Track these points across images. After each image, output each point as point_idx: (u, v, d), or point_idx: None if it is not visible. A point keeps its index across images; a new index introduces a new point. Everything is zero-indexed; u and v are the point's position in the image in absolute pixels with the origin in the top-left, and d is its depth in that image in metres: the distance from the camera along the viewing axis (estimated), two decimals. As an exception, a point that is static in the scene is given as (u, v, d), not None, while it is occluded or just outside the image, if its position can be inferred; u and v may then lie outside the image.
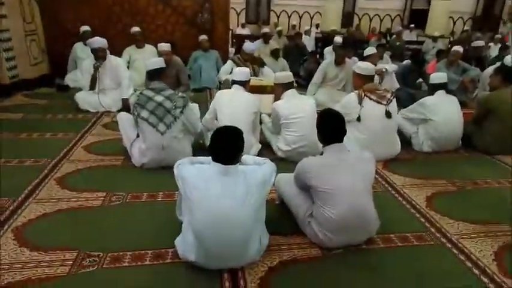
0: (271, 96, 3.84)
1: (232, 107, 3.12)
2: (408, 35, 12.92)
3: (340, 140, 2.08)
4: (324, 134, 2.11)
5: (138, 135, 2.97)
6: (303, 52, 7.54)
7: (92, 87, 4.50)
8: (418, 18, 14.57)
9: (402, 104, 5.29)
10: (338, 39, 7.52)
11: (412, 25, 13.47)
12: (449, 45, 11.44)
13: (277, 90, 3.31)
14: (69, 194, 2.56)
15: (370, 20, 14.87)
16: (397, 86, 5.34)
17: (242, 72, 3.23)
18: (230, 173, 1.77)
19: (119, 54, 5.46)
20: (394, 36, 11.33)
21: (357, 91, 3.27)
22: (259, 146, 3.32)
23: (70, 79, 5.64)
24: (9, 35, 4.85)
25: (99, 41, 4.39)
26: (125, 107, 4.48)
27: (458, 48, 5.63)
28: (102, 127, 4.00)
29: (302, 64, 6.75)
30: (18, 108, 4.50)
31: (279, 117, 3.20)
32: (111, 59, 4.55)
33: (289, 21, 14.06)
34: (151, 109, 2.84)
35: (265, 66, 5.06)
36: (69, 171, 2.92)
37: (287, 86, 3.26)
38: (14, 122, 4.04)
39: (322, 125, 2.12)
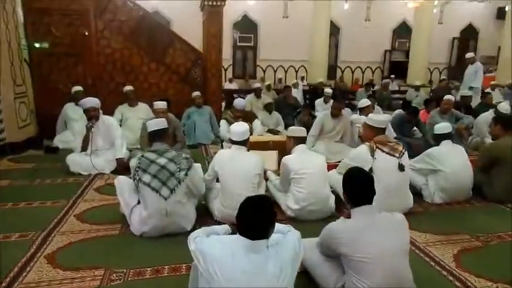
0: (274, 153, 3.71)
1: (234, 168, 2.94)
2: (389, 85, 13.40)
3: (370, 202, 1.91)
4: (352, 195, 1.94)
5: (138, 202, 2.74)
6: (295, 105, 7.61)
7: (84, 148, 4.29)
8: (397, 69, 15.32)
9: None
10: (328, 90, 7.67)
11: (393, 76, 14.07)
12: (431, 94, 11.91)
13: (289, 143, 3.19)
14: (62, 275, 2.25)
15: (353, 71, 15.51)
16: (394, 135, 5.33)
17: (241, 132, 3.06)
18: (260, 248, 1.55)
19: (111, 113, 5.36)
20: (378, 87, 11.76)
21: (367, 143, 3.17)
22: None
23: (60, 140, 5.42)
24: (-2, 98, 4.71)
25: (92, 101, 4.27)
26: (120, 167, 4.28)
27: (451, 97, 5.77)
28: (95, 191, 3.74)
29: (295, 117, 6.76)
30: (4, 174, 4.21)
31: (288, 172, 3.04)
32: (104, 118, 4.41)
33: (275, 75, 14.53)
34: (154, 173, 2.65)
35: (255, 120, 5.04)
36: (61, 245, 2.62)
37: (300, 140, 3.16)
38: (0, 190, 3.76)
39: (351, 185, 1.95)
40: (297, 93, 10.72)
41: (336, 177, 3.37)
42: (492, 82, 11.41)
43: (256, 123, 4.95)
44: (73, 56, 5.85)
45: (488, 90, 10.81)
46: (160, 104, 4.51)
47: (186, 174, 2.73)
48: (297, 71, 14.88)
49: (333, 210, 3.16)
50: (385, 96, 10.79)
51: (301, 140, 3.16)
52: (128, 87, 5.86)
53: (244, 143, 3.07)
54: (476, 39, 16.37)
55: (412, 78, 12.84)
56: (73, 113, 5.58)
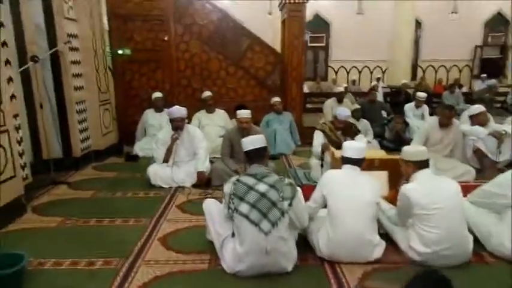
0: (384, 174, 3.08)
1: (348, 194, 2.41)
2: (480, 85, 11.81)
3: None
4: None
5: (233, 234, 2.31)
6: (383, 109, 6.81)
7: (167, 160, 4.05)
8: (489, 67, 13.49)
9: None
10: (421, 94, 6.73)
11: (484, 75, 12.38)
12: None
13: (407, 169, 2.55)
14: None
15: (436, 71, 14.03)
16: (520, 153, 4.36)
17: (359, 148, 2.54)
18: None
19: (188, 120, 5.13)
20: (466, 87, 10.30)
21: None
22: (384, 244, 2.51)
23: (139, 147, 5.34)
24: (84, 106, 4.70)
25: (180, 111, 4.02)
26: (200, 181, 3.97)
27: None
28: (178, 209, 3.44)
29: (386, 124, 6.00)
30: (88, 183, 4.14)
31: (410, 206, 2.41)
32: (189, 128, 4.15)
33: (348, 77, 13.65)
34: (253, 202, 2.20)
35: (359, 134, 4.34)
36: (146, 280, 2.28)
37: (422, 164, 2.49)
38: (84, 202, 3.63)
39: None
40: (377, 97, 9.84)
41: (469, 209, 2.66)
42: None
43: (360, 137, 4.32)
44: (153, 62, 5.77)
45: None
46: (244, 114, 4.12)
47: (290, 205, 2.25)
48: (371, 72, 13.85)
49: (471, 254, 2.45)
50: (489, 99, 9.32)
51: (424, 164, 2.50)
52: (207, 93, 5.62)
53: (360, 162, 2.51)
54: None
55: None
56: (153, 119, 5.47)
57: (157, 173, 4.00)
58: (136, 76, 5.78)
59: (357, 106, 6.00)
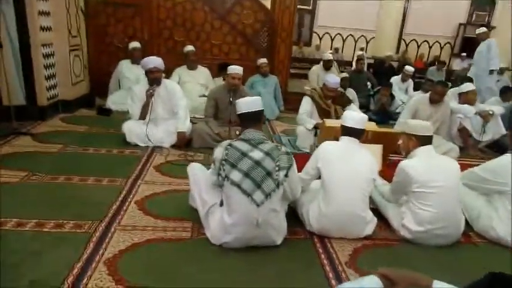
0: (378, 148, 2.95)
1: (344, 168, 2.26)
2: (459, 64, 11.97)
3: None
4: None
5: (221, 203, 2.12)
6: (369, 80, 6.66)
7: (143, 116, 3.73)
8: (470, 46, 13.57)
9: (508, 154, 4.35)
10: (409, 68, 6.63)
11: (464, 54, 12.47)
12: (515, 79, 10.40)
13: (408, 143, 2.41)
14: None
15: (418, 46, 13.95)
16: (504, 131, 4.38)
17: (359, 118, 2.37)
18: None
19: (167, 75, 4.76)
20: (459, 68, 10.37)
21: None
22: (375, 221, 2.41)
23: (113, 101, 4.94)
24: (51, 50, 4.19)
25: (156, 61, 3.65)
26: (180, 141, 3.71)
27: None
28: (156, 171, 3.19)
29: (372, 96, 5.88)
30: (56, 136, 3.77)
31: (409, 183, 2.30)
32: (166, 83, 3.81)
33: (331, 44, 13.33)
34: (246, 170, 2.00)
35: (351, 104, 4.17)
36: (123, 247, 2.08)
37: (425, 140, 2.36)
38: (51, 156, 3.29)
39: None
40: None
41: (462, 190, 2.60)
42: None
43: (353, 108, 4.13)
44: (131, 7, 5.22)
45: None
46: (237, 69, 3.84)
47: (286, 175, 2.07)
48: (356, 41, 13.57)
49: (461, 234, 2.42)
50: (468, 79, 9.43)
51: (427, 140, 2.37)
52: (189, 47, 5.21)
53: (360, 134, 2.35)
54: None
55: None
56: (128, 71, 5.04)
57: (133, 130, 3.69)
58: (112, 21, 5.23)
59: (345, 75, 5.80)
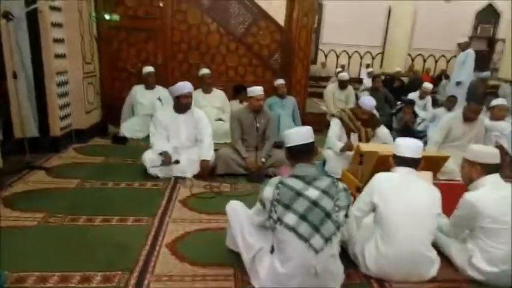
0: (429, 174, 2.69)
1: (406, 203, 2.01)
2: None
3: None
4: None
5: (272, 250, 1.86)
6: (386, 98, 6.47)
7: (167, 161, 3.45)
8: (476, 60, 13.49)
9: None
10: (428, 85, 6.44)
11: (472, 67, 12.30)
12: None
13: (471, 172, 2.17)
14: None
15: (424, 60, 13.88)
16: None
17: (416, 146, 2.13)
18: None
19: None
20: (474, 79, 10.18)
21: None
22: (439, 260, 2.15)
23: (127, 128, 4.73)
24: (66, 78, 4.01)
25: (189, 86, 3.49)
26: (204, 170, 3.48)
27: None
28: (182, 206, 2.93)
29: (395, 115, 5.66)
30: (71, 170, 3.54)
31: (476, 218, 2.05)
32: (193, 110, 3.62)
33: (337, 61, 13.27)
34: (303, 212, 1.76)
35: (381, 126, 3.95)
36: (161, 302, 1.82)
37: (491, 168, 2.13)
38: (69, 193, 3.05)
39: None
40: (369, 84, 9.54)
41: None
42: None
43: (383, 130, 3.91)
44: (144, 31, 5.08)
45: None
46: (259, 90, 3.63)
47: (346, 216, 1.83)
48: (362, 58, 13.51)
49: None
50: (482, 92, 9.23)
51: (494, 169, 2.13)
52: (205, 70, 5.04)
53: (417, 163, 2.11)
54: None
55: (504, 71, 11.13)
56: (142, 97, 4.86)
57: (155, 160, 3.45)
58: (125, 46, 5.09)
59: (366, 93, 5.61)
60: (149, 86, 4.89)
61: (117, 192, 3.11)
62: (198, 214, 2.79)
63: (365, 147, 3.20)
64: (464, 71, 7.03)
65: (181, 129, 3.56)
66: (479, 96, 9.02)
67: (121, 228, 2.53)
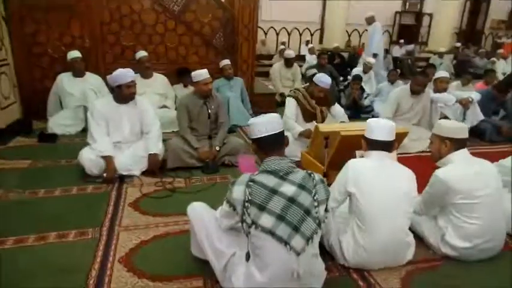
0: (394, 155, 2.62)
1: (384, 190, 1.89)
2: (398, 51, 12.44)
3: None
4: None
5: (248, 257, 1.64)
6: (331, 74, 6.46)
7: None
8: (406, 33, 14.21)
9: (488, 138, 4.38)
10: (371, 59, 6.53)
11: (402, 40, 12.98)
12: (454, 61, 11.01)
13: (441, 147, 2.11)
14: None
15: (360, 35, 14.29)
16: (481, 117, 4.38)
17: (388, 127, 2.00)
18: None
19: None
20: (404, 53, 10.70)
21: None
22: (414, 242, 2.09)
23: (55, 124, 4.13)
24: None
25: (132, 73, 3.04)
26: (153, 166, 3.12)
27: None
28: (133, 209, 2.58)
29: (343, 91, 5.66)
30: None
31: (447, 195, 2.01)
32: (137, 100, 3.19)
33: (277, 38, 13.13)
34: (280, 211, 1.55)
35: (336, 104, 3.85)
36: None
37: (460, 143, 2.08)
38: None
39: None
40: (312, 60, 9.57)
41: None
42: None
43: (338, 108, 3.80)
44: (64, 11, 4.40)
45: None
46: (204, 74, 3.30)
47: (326, 210, 1.66)
48: (301, 34, 13.52)
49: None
50: (409, 65, 9.77)
51: (463, 144, 2.10)
52: (142, 53, 4.56)
53: (391, 146, 1.99)
54: (489, 2, 15.39)
55: (435, 43, 11.83)
56: (71, 87, 4.27)
57: (94, 159, 2.99)
58: (43, 27, 4.37)
59: (314, 71, 5.52)
60: (77, 74, 4.29)
61: (51, 202, 2.64)
62: (153, 218, 2.47)
63: (324, 127, 3.07)
64: (374, 43, 7.34)
65: (123, 121, 3.13)
66: (407, 67, 9.55)
67: (61, 246, 2.13)
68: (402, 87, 4.20)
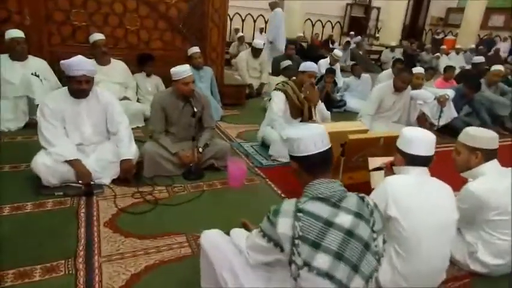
0: (386, 159, 2.38)
1: (426, 212, 1.63)
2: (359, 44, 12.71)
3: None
4: None
5: (291, 302, 1.32)
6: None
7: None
8: (356, 25, 14.55)
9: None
10: (338, 52, 6.41)
11: (352, 32, 13.26)
12: (402, 54, 11.45)
13: (471, 158, 1.94)
14: None
15: (313, 25, 14.32)
16: (455, 114, 4.45)
17: (429, 140, 1.72)
18: None
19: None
20: (354, 45, 10.84)
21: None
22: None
23: (-7, 119, 3.39)
24: None
25: (86, 65, 2.45)
26: (125, 173, 2.63)
27: (501, 67, 5.00)
28: (112, 231, 2.10)
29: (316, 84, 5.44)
30: None
31: (481, 210, 1.86)
32: (98, 93, 2.63)
33: (230, 25, 12.62)
34: (338, 248, 1.24)
35: (321, 102, 3.64)
36: None
37: (491, 154, 1.93)
38: None
39: None
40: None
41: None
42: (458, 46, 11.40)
43: (322, 106, 3.58)
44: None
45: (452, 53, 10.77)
46: (188, 70, 2.83)
47: (385, 241, 1.39)
48: (255, 21, 13.15)
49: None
50: (361, 56, 9.95)
51: (494, 154, 1.94)
52: (98, 35, 3.91)
53: (430, 161, 1.76)
54: (429, 0, 16.33)
55: (386, 37, 12.19)
56: (10, 72, 3.55)
57: (51, 165, 2.42)
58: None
59: (289, 62, 5.24)
60: (18, 57, 3.57)
61: (2, 227, 2.07)
62: (139, 241, 2.03)
63: (329, 127, 2.80)
64: (274, 29, 7.15)
65: (83, 120, 2.57)
66: (356, 58, 9.69)
67: (26, 290, 1.63)
68: (385, 84, 4.09)
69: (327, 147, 1.37)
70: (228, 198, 2.62)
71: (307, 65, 3.36)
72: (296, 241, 1.24)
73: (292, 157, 1.40)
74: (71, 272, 1.74)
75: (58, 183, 2.43)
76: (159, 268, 1.83)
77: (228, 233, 1.60)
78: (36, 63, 3.69)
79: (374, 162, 2.31)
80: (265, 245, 1.33)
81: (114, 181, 2.62)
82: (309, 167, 1.36)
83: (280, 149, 3.28)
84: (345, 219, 1.28)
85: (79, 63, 2.40)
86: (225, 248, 1.51)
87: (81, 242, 1.96)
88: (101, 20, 4.13)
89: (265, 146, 3.53)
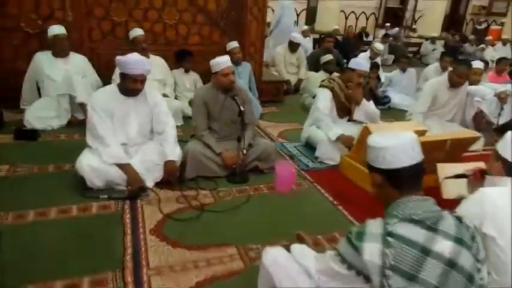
0: (458, 166, 2.11)
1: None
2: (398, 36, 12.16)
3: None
4: None
5: None
6: (339, 62, 5.95)
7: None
8: (391, 17, 13.95)
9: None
10: (379, 45, 6.05)
11: (388, 24, 12.68)
12: (444, 47, 10.83)
13: (493, 165, 1.62)
14: None
15: (346, 18, 13.83)
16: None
17: None
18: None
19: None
20: (391, 38, 10.34)
21: None
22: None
23: (34, 116, 3.38)
24: None
25: (144, 64, 2.38)
26: (170, 175, 2.51)
27: None
28: (159, 239, 1.99)
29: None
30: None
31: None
32: (147, 93, 2.53)
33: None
34: (438, 281, 1.04)
35: (371, 101, 3.41)
36: None
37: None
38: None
39: None
40: (307, 43, 8.99)
41: None
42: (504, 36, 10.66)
43: (372, 106, 3.38)
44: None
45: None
46: (224, 62, 2.72)
47: (489, 273, 1.18)
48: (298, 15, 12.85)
49: None
50: (399, 48, 9.47)
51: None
52: (138, 31, 3.82)
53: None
54: (472, -12, 15.41)
55: (424, 29, 11.59)
56: (52, 69, 3.52)
57: (98, 167, 2.34)
58: (13, -2, 3.54)
59: (330, 56, 4.99)
60: (60, 53, 3.54)
61: (46, 230, 1.99)
62: (189, 252, 1.90)
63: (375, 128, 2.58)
64: (279, 21, 6.88)
65: (130, 119, 2.49)
66: (396, 51, 9.22)
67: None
68: (440, 78, 3.76)
69: (420, 159, 1.16)
70: (275, 203, 2.46)
71: (359, 63, 3.11)
72: (387, 271, 1.04)
73: (374, 168, 1.20)
74: (119, 285, 1.63)
75: (102, 186, 2.35)
76: (212, 285, 1.69)
77: (287, 249, 1.45)
78: (77, 60, 3.66)
79: (445, 168, 2.06)
80: (344, 273, 1.15)
81: (156, 184, 2.51)
82: (398, 182, 1.16)
83: (327, 150, 3.07)
84: (443, 246, 1.07)
85: (137, 62, 2.32)
86: (288, 266, 1.35)
87: (128, 251, 1.85)
88: (140, 14, 4.04)
89: (309, 146, 3.33)
